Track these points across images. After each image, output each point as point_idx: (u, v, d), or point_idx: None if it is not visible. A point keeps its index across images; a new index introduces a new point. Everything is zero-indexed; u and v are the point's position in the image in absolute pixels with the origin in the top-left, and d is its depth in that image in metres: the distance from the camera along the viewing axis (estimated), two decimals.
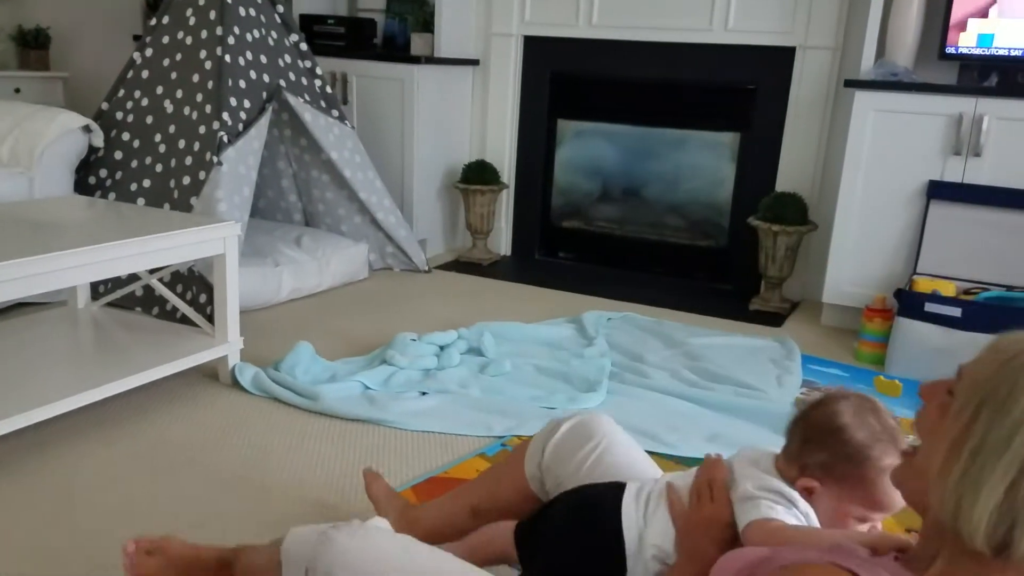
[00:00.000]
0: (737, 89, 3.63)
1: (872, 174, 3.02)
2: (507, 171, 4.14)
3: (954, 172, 2.89)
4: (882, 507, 1.06)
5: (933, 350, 2.67)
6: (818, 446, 1.07)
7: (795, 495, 1.09)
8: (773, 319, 3.32)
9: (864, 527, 1.08)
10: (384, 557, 1.09)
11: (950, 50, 2.99)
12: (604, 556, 1.20)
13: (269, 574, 1.16)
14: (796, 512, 1.07)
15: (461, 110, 4.13)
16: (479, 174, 3.96)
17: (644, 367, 2.65)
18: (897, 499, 1.03)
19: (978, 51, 2.94)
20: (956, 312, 2.65)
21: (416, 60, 3.76)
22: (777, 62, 3.48)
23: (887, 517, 1.08)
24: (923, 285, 2.81)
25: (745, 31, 3.51)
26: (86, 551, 1.57)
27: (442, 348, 2.67)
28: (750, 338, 3.00)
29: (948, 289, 2.78)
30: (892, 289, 2.93)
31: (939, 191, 2.90)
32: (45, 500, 1.78)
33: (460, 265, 3.97)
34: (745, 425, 2.27)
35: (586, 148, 4.09)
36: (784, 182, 3.52)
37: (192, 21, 3.06)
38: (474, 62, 4.09)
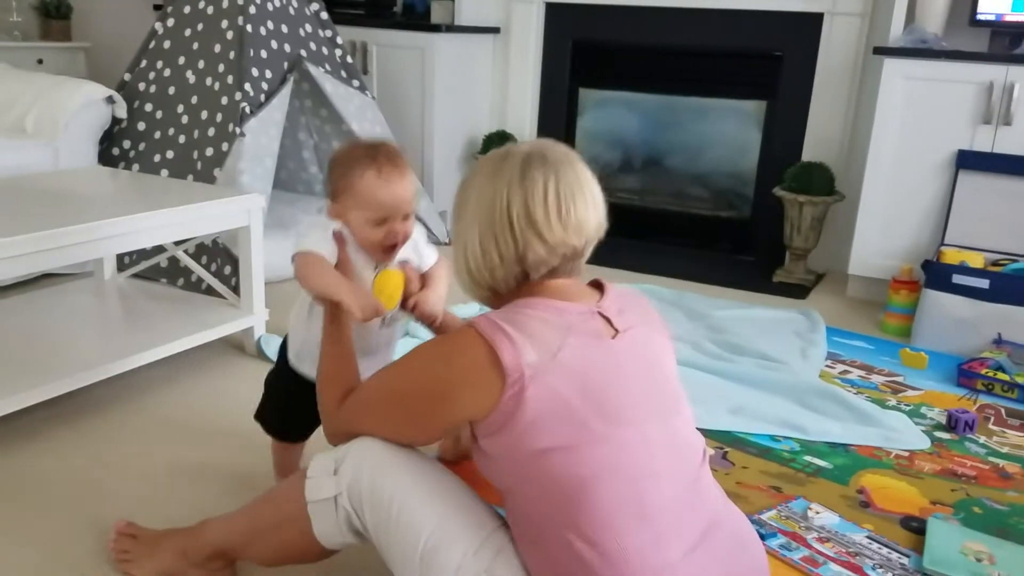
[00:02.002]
0: (763, 56, 3.56)
1: (900, 143, 2.97)
2: None
3: (984, 141, 2.84)
4: (379, 205, 1.35)
5: (960, 322, 2.64)
6: (328, 179, 1.40)
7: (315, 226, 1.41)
8: (798, 291, 3.29)
9: (382, 232, 1.37)
10: (399, 459, 1.21)
11: (981, 16, 2.92)
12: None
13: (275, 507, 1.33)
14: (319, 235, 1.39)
15: (482, 79, 4.09)
16: (500, 144, 3.92)
17: None
18: (386, 196, 1.34)
19: (1010, 16, 2.88)
20: (984, 284, 2.61)
21: (436, 28, 3.73)
22: (804, 28, 3.42)
23: (400, 216, 1.38)
24: (951, 256, 2.77)
25: None
26: (120, 519, 1.59)
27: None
28: (774, 310, 2.98)
29: (976, 260, 2.74)
30: (919, 260, 2.89)
31: (968, 160, 2.85)
32: (79, 469, 1.81)
33: None
34: (769, 397, 2.25)
35: (608, 118, 4.05)
36: (810, 151, 3.47)
37: None
38: (495, 30, 4.05)
